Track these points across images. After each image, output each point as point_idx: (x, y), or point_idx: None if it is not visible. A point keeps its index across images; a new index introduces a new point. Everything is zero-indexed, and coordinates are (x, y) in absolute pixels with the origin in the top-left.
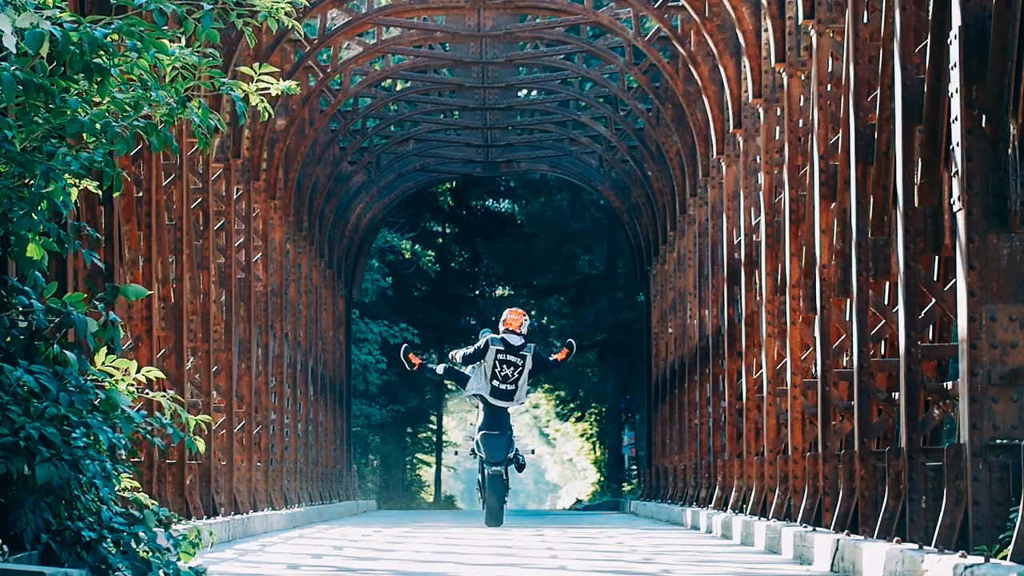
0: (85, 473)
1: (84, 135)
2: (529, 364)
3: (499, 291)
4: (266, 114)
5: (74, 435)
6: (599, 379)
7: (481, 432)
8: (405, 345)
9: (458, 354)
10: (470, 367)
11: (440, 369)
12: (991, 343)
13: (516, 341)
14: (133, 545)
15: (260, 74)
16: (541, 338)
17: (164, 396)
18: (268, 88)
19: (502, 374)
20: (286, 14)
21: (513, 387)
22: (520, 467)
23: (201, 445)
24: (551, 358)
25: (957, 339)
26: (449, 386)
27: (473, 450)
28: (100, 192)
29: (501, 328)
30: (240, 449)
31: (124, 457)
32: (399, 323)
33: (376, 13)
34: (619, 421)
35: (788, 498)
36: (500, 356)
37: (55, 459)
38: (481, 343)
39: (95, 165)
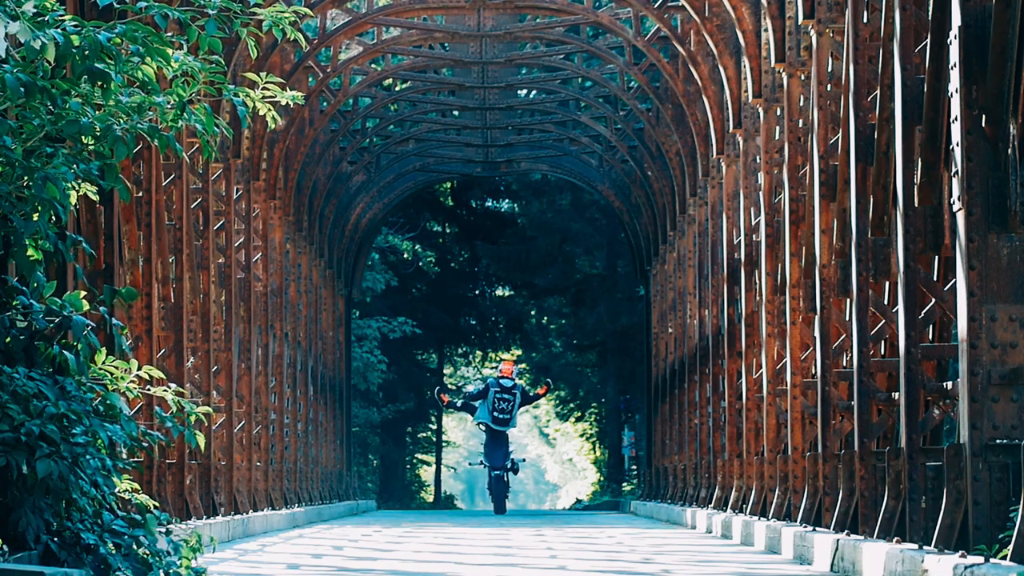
0: (85, 470)
1: (83, 138)
2: (518, 399)
3: (499, 291)
4: (274, 122)
5: (74, 432)
6: (599, 379)
7: (486, 447)
8: (438, 387)
9: (467, 391)
10: (477, 402)
11: (459, 403)
12: (991, 343)
13: (508, 383)
14: (134, 547)
15: (266, 82)
16: (542, 338)
17: (166, 391)
18: (274, 96)
19: (499, 407)
20: (291, 23)
21: (508, 416)
22: (515, 471)
23: (201, 440)
24: (532, 393)
25: (957, 339)
26: (449, 386)
27: (482, 461)
28: (98, 197)
29: (498, 374)
30: (240, 449)
31: (124, 455)
32: (398, 316)
33: (376, 13)
34: (619, 421)
35: (788, 498)
36: (498, 394)
37: (55, 455)
38: (483, 387)
39: (92, 177)
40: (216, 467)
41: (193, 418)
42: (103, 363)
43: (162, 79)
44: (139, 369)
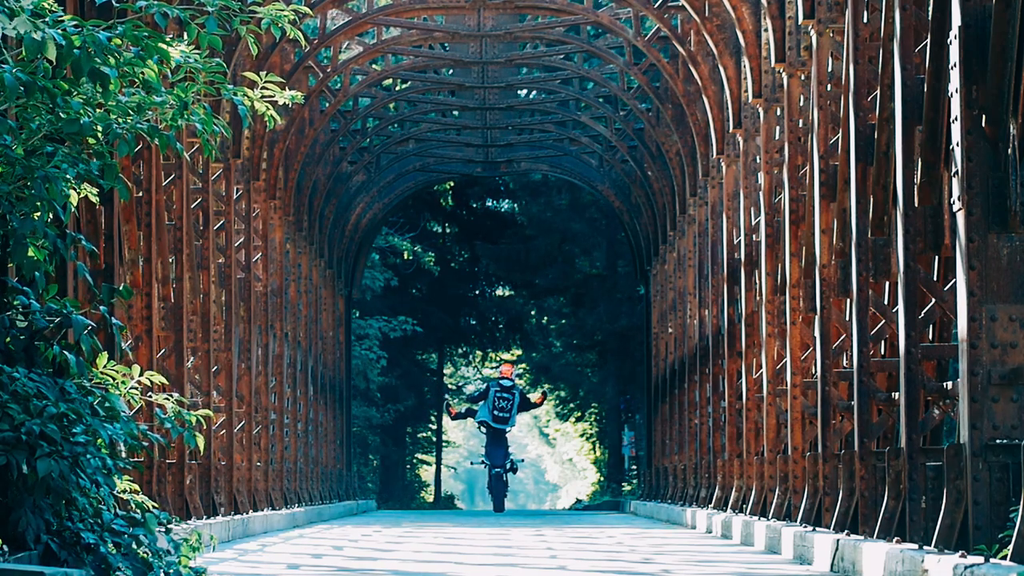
0: (85, 469)
1: (86, 138)
2: (517, 399)
3: (499, 291)
4: (273, 122)
5: (74, 431)
6: (599, 379)
7: (487, 446)
8: (446, 402)
9: (468, 391)
10: (479, 404)
11: (464, 410)
12: (991, 343)
13: (507, 383)
14: (134, 547)
15: (265, 81)
16: (542, 338)
17: (168, 398)
18: (273, 96)
19: (499, 406)
20: (291, 22)
21: (507, 415)
22: (514, 471)
23: (200, 441)
24: (529, 398)
25: (957, 339)
26: (449, 386)
27: (483, 460)
28: (99, 199)
29: (498, 375)
30: (240, 449)
31: (125, 455)
32: (398, 316)
33: (376, 13)
34: (619, 421)
35: (788, 498)
36: (498, 393)
37: (55, 455)
38: (483, 387)
39: (92, 176)
40: (216, 467)
41: (193, 419)
42: (104, 367)
43: (163, 79)
44: (140, 374)
